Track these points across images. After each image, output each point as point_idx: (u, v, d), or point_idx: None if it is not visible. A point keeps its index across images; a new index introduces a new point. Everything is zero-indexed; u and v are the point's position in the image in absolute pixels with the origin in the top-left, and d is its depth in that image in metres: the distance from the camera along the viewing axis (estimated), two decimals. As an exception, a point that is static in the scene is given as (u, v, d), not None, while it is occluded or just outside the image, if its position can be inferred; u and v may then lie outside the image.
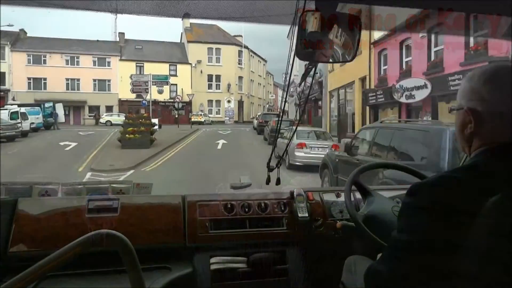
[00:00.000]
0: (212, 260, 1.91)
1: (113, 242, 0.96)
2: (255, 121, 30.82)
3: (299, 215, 2.01)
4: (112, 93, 41.88)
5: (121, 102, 41.24)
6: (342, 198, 2.06)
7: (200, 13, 1.63)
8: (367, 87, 18.89)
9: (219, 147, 19.01)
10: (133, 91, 23.81)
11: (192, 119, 37.48)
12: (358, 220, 1.60)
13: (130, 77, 23.46)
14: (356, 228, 1.62)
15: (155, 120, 28.52)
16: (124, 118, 26.44)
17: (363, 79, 20.00)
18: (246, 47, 48.43)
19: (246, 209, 2.01)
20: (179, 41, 49.14)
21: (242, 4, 1.49)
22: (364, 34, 14.89)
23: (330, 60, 1.37)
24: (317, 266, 2.02)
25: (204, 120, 39.88)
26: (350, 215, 1.66)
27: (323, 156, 9.28)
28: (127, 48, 44.12)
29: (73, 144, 18.69)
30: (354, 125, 20.87)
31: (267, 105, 60.30)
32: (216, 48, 46.17)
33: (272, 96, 62.90)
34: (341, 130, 21.91)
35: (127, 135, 17.41)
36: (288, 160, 12.29)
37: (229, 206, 2.00)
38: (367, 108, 19.06)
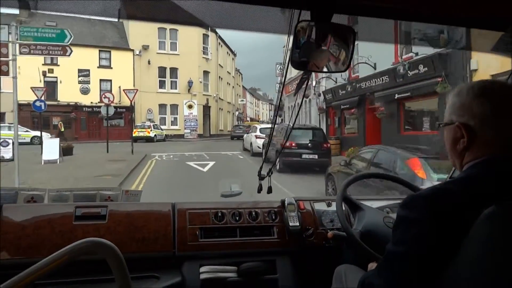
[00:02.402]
0: (202, 269, 1.88)
1: (101, 251, 0.96)
2: (256, 140, 16.74)
3: (290, 224, 2.01)
4: (4, 92, 27.05)
5: (20, 107, 26.43)
6: (333, 208, 2.11)
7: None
8: None
9: None
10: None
11: (136, 134, 24.49)
12: (356, 237, 1.63)
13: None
14: (351, 242, 1.66)
15: (52, 142, 14.81)
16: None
17: None
18: (214, 30, 34.65)
19: (237, 218, 2.03)
20: (116, 20, 34.62)
21: (229, 9, 1.30)
22: None
23: (324, 70, 1.35)
24: (307, 275, 2.04)
25: (155, 135, 27.53)
26: (345, 231, 1.68)
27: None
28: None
29: None
30: None
31: (237, 112, 46.94)
32: (171, 29, 32.03)
33: (242, 100, 49.56)
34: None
35: None
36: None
37: (219, 214, 2.01)
38: None
